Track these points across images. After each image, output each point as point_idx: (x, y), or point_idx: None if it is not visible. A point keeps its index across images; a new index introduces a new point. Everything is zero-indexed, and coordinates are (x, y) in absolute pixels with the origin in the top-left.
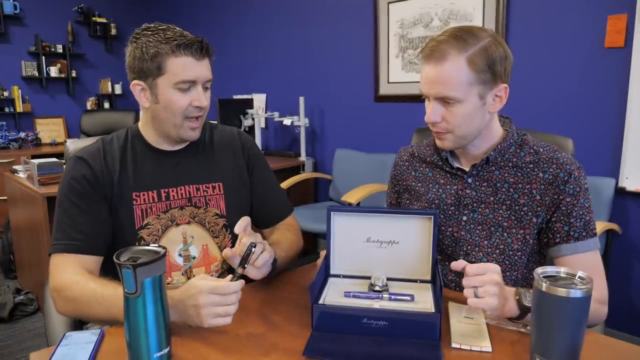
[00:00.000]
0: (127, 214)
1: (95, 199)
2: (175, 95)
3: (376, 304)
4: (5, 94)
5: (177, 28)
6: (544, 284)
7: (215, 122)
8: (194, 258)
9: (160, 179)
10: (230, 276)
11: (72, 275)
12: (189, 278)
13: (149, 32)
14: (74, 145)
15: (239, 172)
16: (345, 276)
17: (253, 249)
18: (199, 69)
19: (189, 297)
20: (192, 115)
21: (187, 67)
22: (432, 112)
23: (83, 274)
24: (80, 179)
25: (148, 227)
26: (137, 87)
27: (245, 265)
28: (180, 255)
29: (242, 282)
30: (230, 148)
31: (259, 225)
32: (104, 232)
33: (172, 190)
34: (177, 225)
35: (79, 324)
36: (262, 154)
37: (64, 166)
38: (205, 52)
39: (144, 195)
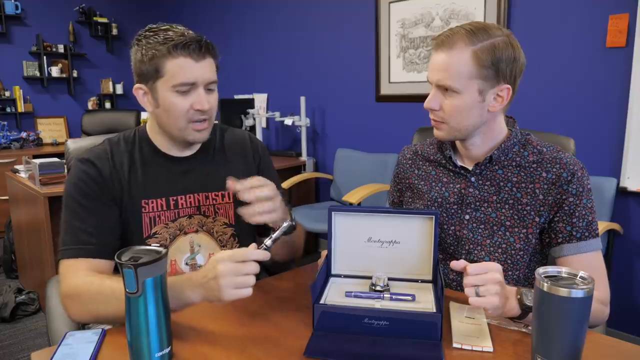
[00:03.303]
0: (135, 221)
1: (104, 201)
2: (175, 98)
3: (377, 304)
4: (7, 94)
5: (180, 28)
6: (545, 284)
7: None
8: (200, 267)
9: (169, 186)
10: (253, 245)
11: (84, 278)
12: None
13: (150, 34)
14: (74, 144)
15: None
16: (346, 276)
17: (285, 225)
18: (199, 70)
19: (209, 270)
20: (195, 119)
21: (184, 68)
22: (432, 98)
23: (96, 275)
24: (87, 180)
25: (156, 236)
26: (139, 91)
27: (274, 241)
28: (187, 264)
29: (266, 253)
30: (241, 152)
31: (261, 233)
32: (114, 236)
33: (181, 198)
34: (185, 234)
35: (80, 324)
36: (271, 159)
37: (65, 167)
38: (206, 51)
39: (152, 202)
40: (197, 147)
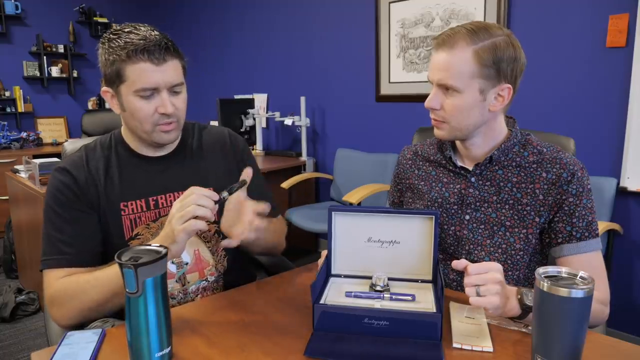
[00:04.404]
0: (115, 225)
1: (82, 209)
2: (139, 102)
3: (377, 304)
4: (7, 94)
5: (143, 30)
6: (545, 284)
7: (214, 123)
8: (187, 264)
9: (147, 187)
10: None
11: (61, 281)
12: (183, 285)
13: (114, 36)
14: (72, 145)
15: (230, 175)
16: (346, 276)
17: (245, 184)
18: (159, 74)
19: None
20: (161, 122)
21: (145, 73)
22: (432, 98)
23: (72, 275)
24: (64, 190)
25: (138, 237)
26: (107, 94)
27: (230, 193)
28: (172, 262)
29: (214, 194)
30: (220, 150)
31: None
32: (94, 242)
33: (161, 198)
34: None
35: (79, 324)
36: (253, 155)
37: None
38: (167, 54)
39: (132, 204)
40: (172, 146)
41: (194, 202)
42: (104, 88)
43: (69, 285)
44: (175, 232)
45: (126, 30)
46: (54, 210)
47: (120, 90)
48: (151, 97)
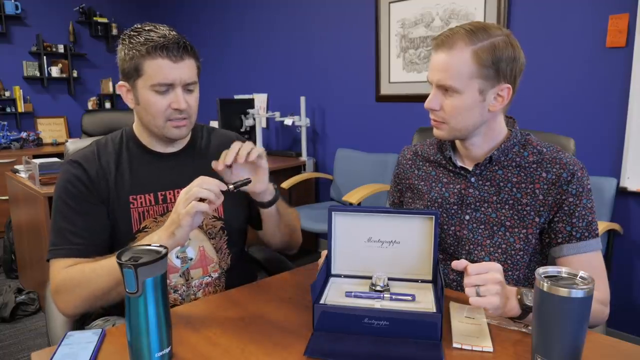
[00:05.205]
0: (124, 217)
1: (92, 201)
2: (153, 97)
3: (377, 304)
4: (7, 94)
5: (162, 29)
6: (545, 284)
7: (214, 123)
8: (191, 259)
9: (157, 182)
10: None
11: (67, 270)
12: (187, 280)
13: (134, 33)
14: (74, 145)
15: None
16: (346, 276)
17: (249, 181)
18: (176, 71)
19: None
20: (173, 117)
21: (162, 69)
22: (432, 98)
23: (78, 264)
24: (75, 182)
25: (145, 230)
26: (123, 88)
27: (235, 187)
28: (177, 257)
29: (221, 183)
30: None
31: (255, 226)
32: (103, 235)
33: (169, 193)
34: None
35: (79, 324)
36: None
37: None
38: (184, 53)
39: (140, 198)
40: (182, 144)
41: (198, 185)
42: (120, 83)
43: (74, 274)
44: (180, 215)
45: (147, 28)
46: (65, 202)
47: (136, 85)
48: (166, 93)
